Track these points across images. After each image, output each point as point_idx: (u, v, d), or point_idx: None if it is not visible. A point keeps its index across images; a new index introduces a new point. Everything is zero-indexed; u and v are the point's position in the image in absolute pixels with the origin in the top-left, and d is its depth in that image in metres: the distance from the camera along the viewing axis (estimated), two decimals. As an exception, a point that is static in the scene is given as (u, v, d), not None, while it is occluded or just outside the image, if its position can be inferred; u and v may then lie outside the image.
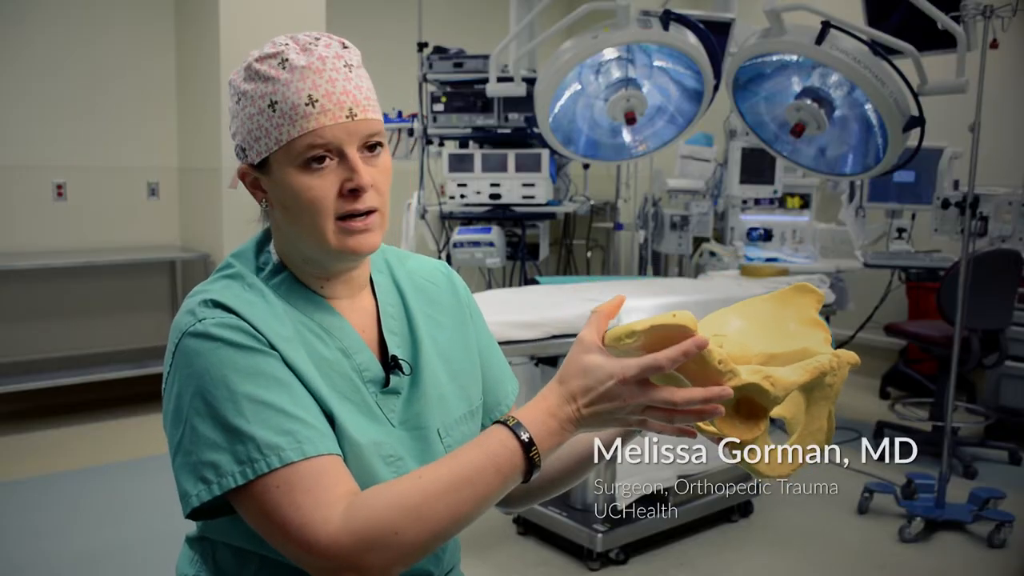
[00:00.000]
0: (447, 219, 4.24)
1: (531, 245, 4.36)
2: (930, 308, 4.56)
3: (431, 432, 1.02)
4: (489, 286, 4.60)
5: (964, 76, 2.60)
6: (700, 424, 0.90)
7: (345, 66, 0.94)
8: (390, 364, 1.02)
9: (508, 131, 4.07)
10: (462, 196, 4.07)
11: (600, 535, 2.70)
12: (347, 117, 0.93)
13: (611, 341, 0.87)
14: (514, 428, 0.86)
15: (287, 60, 0.93)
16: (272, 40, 0.96)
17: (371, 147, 0.96)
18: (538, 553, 2.86)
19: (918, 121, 2.58)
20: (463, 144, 4.27)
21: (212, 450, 0.87)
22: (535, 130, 3.73)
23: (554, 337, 2.52)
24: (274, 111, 0.92)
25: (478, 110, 4.02)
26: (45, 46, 4.30)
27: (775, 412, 0.92)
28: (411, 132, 4.22)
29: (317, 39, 0.95)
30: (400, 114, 4.33)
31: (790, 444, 0.94)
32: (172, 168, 4.74)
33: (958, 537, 3.01)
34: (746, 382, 0.85)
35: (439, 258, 4.03)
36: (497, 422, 0.88)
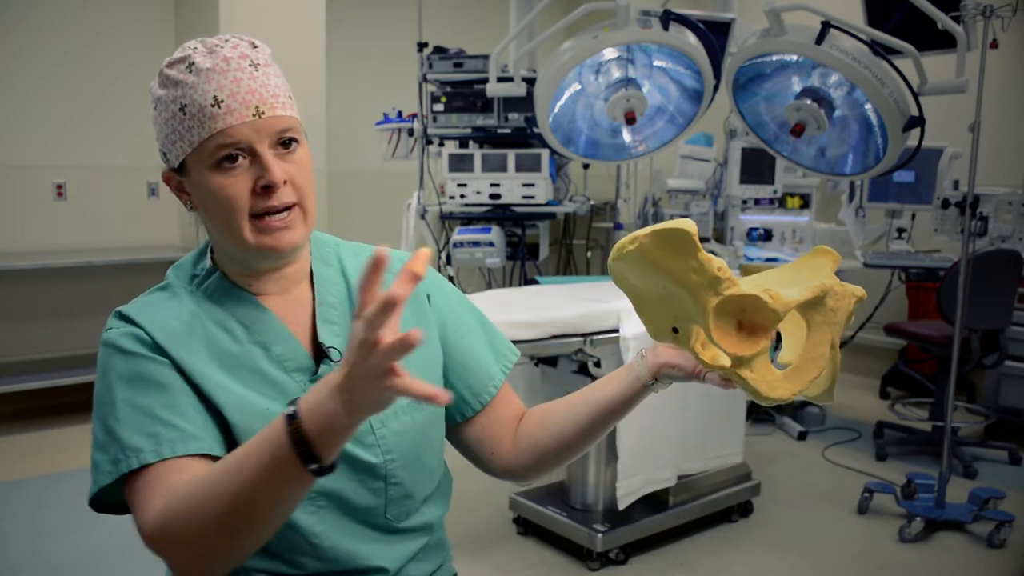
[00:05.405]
0: (447, 219, 4.23)
1: (531, 245, 4.36)
2: (930, 308, 4.56)
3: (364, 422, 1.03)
4: (489, 286, 4.60)
5: (964, 76, 2.59)
6: (698, 346, 0.90)
7: (251, 65, 0.96)
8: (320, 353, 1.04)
9: (508, 131, 4.07)
10: (462, 196, 4.06)
11: (600, 535, 2.70)
12: (254, 115, 0.94)
13: (615, 252, 0.88)
14: (289, 404, 0.81)
15: (193, 64, 0.95)
16: (183, 45, 0.99)
17: (285, 143, 0.98)
18: (538, 553, 2.86)
19: (918, 121, 2.58)
20: (463, 144, 4.27)
21: (97, 449, 0.94)
22: (535, 130, 3.73)
23: (554, 337, 2.52)
24: (184, 114, 0.95)
25: (478, 110, 4.02)
26: (45, 46, 4.30)
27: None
28: (411, 132, 4.22)
29: (226, 40, 0.98)
30: (400, 114, 4.33)
31: (790, 367, 0.93)
32: (172, 168, 4.73)
33: (958, 537, 3.01)
34: (745, 293, 0.85)
35: (439, 258, 4.06)
36: None
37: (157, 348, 0.96)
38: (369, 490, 1.03)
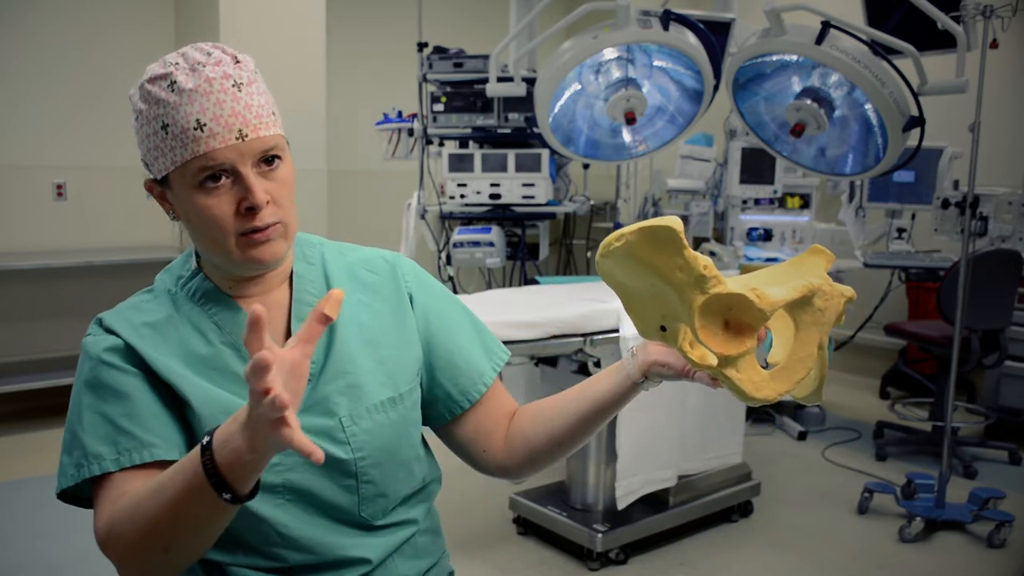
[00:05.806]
0: (447, 219, 4.23)
1: (531, 245, 4.36)
2: (930, 308, 4.56)
3: (334, 418, 1.04)
4: (489, 286, 4.60)
5: (964, 76, 2.59)
6: (686, 345, 0.89)
7: (234, 86, 0.96)
8: None
9: (508, 131, 4.07)
10: (462, 196, 4.06)
11: (600, 535, 2.70)
12: (237, 139, 0.94)
13: (602, 249, 0.87)
14: (206, 433, 0.83)
15: (175, 82, 0.94)
16: (163, 58, 0.98)
17: (268, 160, 0.98)
18: (538, 553, 2.86)
19: (918, 121, 2.58)
20: (463, 144, 4.27)
21: (64, 451, 0.98)
22: (535, 130, 3.73)
23: (554, 337, 2.52)
24: (167, 133, 0.95)
25: (478, 110, 4.02)
26: (45, 46, 4.30)
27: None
28: (411, 132, 4.21)
29: (209, 55, 0.97)
30: (400, 114, 4.33)
31: (777, 367, 0.92)
32: (172, 168, 4.73)
33: (958, 537, 3.01)
34: (731, 292, 0.85)
35: (439, 258, 4.06)
36: None
37: (129, 353, 0.99)
38: (341, 487, 1.03)
